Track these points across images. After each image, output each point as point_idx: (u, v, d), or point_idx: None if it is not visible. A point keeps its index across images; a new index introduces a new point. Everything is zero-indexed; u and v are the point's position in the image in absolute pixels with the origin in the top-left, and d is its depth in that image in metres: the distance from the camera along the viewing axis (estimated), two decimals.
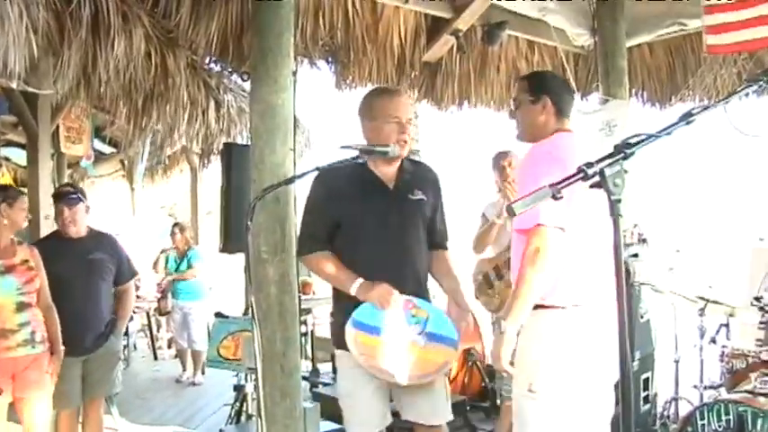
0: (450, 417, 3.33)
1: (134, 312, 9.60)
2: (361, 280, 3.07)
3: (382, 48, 6.33)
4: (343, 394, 3.25)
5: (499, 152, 5.07)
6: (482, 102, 7.14)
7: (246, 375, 5.27)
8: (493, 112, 7.27)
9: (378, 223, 3.16)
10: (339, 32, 6.00)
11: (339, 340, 3.17)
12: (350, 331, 3.02)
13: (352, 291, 3.07)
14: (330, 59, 6.22)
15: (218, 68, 6.00)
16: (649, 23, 5.89)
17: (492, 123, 7.64)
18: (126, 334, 9.20)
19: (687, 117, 1.76)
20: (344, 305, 3.18)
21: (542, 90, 3.09)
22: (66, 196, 4.59)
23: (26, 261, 4.13)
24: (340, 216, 3.18)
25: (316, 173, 3.07)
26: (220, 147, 6.44)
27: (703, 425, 3.94)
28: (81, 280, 4.52)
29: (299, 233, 3.36)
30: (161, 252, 8.89)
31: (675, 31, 5.98)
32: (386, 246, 3.15)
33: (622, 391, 1.69)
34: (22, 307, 4.04)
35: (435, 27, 6.39)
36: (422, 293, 3.25)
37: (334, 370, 7.38)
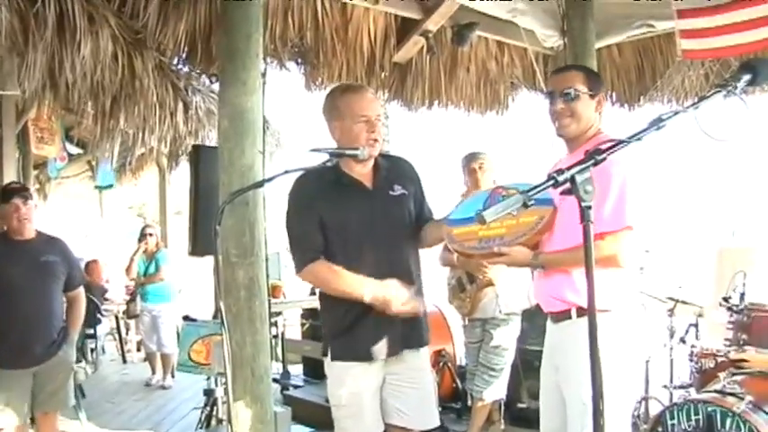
0: (438, 422, 3.29)
1: (103, 315, 9.53)
2: (371, 286, 2.96)
3: (352, 49, 6.31)
4: (341, 403, 3.16)
5: (470, 153, 5.05)
6: (452, 102, 7.14)
7: (217, 379, 5.22)
8: (462, 113, 7.27)
9: (363, 226, 3.08)
10: (308, 33, 5.97)
11: (332, 350, 3.15)
12: (444, 229, 3.03)
13: (366, 299, 2.96)
14: (299, 60, 6.20)
15: (186, 70, 5.95)
16: (618, 24, 5.90)
17: (461, 124, 7.66)
18: (94, 337, 9.11)
19: (657, 122, 1.77)
20: (334, 315, 3.15)
21: (599, 87, 2.93)
22: (20, 192, 4.35)
23: None
24: (324, 224, 3.08)
25: (285, 176, 3.01)
26: (189, 148, 6.39)
27: (673, 424, 3.96)
28: (34, 284, 4.28)
29: (290, 251, 3.23)
30: (134, 255, 8.71)
31: (644, 33, 6.00)
32: (374, 248, 3.06)
33: (594, 390, 1.69)
34: None
35: (405, 28, 6.38)
36: (412, 290, 3.12)
37: (306, 372, 7.47)
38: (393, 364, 3.15)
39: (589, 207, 1.58)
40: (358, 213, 3.09)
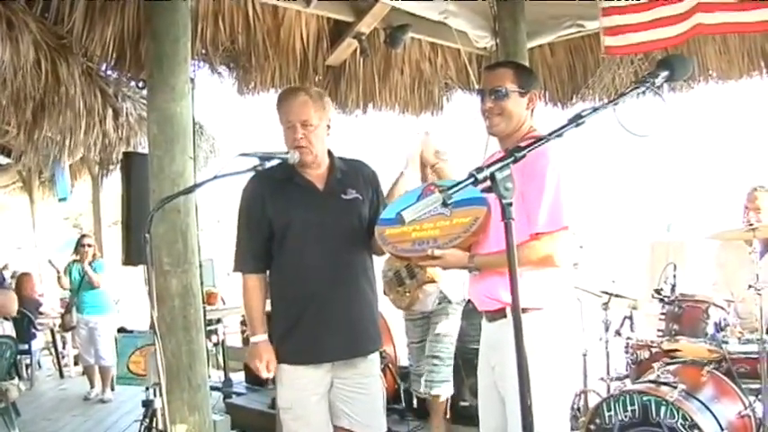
0: (385, 428, 3.30)
1: (37, 329, 9.27)
2: (261, 338, 3.15)
3: (284, 52, 6.28)
4: (288, 406, 3.16)
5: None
6: (387, 104, 7.15)
7: (155, 390, 5.13)
8: (397, 115, 7.29)
9: (309, 227, 3.10)
10: (240, 37, 5.92)
11: (278, 353, 3.14)
12: (377, 230, 3.02)
13: (251, 341, 3.20)
14: (231, 65, 6.13)
15: (115, 75, 5.82)
16: (549, 25, 6.00)
17: (396, 126, 7.65)
18: (29, 352, 8.86)
19: (577, 119, 1.79)
20: (278, 317, 3.17)
21: (531, 84, 2.90)
22: None
23: None
24: (271, 223, 3.11)
25: (216, 182, 2.98)
26: (121, 156, 6.27)
27: (610, 416, 4.02)
28: None
29: (234, 247, 3.25)
30: (67, 265, 8.48)
31: (574, 32, 6.11)
32: (320, 251, 3.08)
33: (521, 384, 1.69)
34: None
35: (338, 31, 6.38)
36: (361, 295, 3.19)
37: (247, 379, 7.39)
38: (341, 369, 3.16)
39: (510, 204, 1.58)
40: (304, 214, 3.11)
